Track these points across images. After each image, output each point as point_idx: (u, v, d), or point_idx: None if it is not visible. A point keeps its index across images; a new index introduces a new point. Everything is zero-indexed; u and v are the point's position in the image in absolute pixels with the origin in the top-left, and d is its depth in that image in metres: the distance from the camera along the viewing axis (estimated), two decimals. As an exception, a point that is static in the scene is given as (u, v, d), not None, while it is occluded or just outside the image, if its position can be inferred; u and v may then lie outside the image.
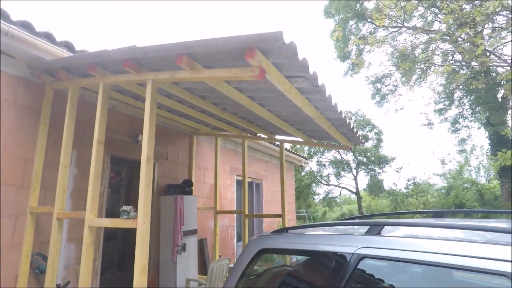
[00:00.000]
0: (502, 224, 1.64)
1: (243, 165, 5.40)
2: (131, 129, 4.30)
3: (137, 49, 2.25)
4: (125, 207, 2.46)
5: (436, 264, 1.21)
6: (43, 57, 2.99)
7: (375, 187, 23.52)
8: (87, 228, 2.54)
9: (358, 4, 13.69)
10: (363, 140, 4.37)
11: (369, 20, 13.76)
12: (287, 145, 8.69)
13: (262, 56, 1.93)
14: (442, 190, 18.53)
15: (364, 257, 1.47)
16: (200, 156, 5.82)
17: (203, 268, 5.36)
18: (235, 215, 6.84)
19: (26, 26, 2.91)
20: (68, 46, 3.25)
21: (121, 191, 5.79)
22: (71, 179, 3.55)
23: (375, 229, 1.56)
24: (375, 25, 11.30)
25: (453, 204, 15.57)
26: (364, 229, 1.63)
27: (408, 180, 20.47)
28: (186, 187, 4.97)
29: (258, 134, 5.27)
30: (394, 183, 21.50)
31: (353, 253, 1.51)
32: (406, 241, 1.42)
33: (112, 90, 3.35)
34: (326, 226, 2.22)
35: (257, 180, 8.01)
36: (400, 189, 20.87)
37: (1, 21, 2.66)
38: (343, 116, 3.17)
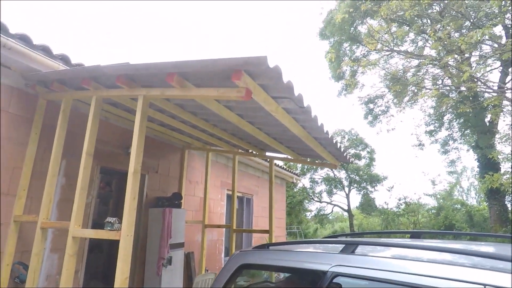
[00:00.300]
0: (480, 246, 1.71)
1: (233, 180, 5.44)
2: (122, 141, 4.35)
3: (130, 66, 2.34)
4: (109, 219, 2.49)
5: (406, 284, 1.26)
6: (39, 69, 3.07)
7: (367, 205, 23.56)
8: (70, 239, 2.55)
9: (352, 28, 14.17)
10: (350, 159, 4.47)
11: (362, 43, 14.22)
12: (280, 162, 8.77)
13: (248, 78, 2.04)
14: (433, 211, 18.66)
15: (338, 275, 1.53)
16: (191, 169, 5.85)
17: (188, 282, 5.29)
18: (224, 229, 6.81)
19: (23, 39, 3.00)
20: (64, 59, 3.34)
21: (110, 202, 5.76)
22: (59, 189, 3.56)
23: (350, 248, 1.62)
24: (368, 48, 11.68)
25: (443, 225, 15.66)
26: (340, 247, 1.69)
27: (399, 200, 20.59)
28: (175, 200, 4.98)
29: (249, 150, 5.35)
30: (385, 202, 21.62)
31: (327, 271, 1.56)
32: (378, 260, 1.48)
33: (105, 103, 3.42)
34: (306, 243, 2.27)
35: (248, 195, 8.02)
36: (392, 208, 20.95)
37: (1, 34, 2.75)
38: (329, 136, 3.28)
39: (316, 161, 5.31)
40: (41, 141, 3.31)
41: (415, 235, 2.36)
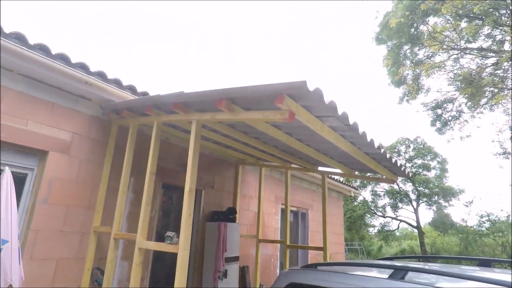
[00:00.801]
0: None
1: (286, 195, 5.45)
2: (181, 159, 4.72)
3: (184, 95, 2.59)
4: (169, 233, 2.72)
5: None
6: (112, 99, 3.56)
7: (441, 222, 21.11)
8: (137, 249, 2.85)
9: (412, 29, 13.23)
10: (410, 174, 4.14)
11: (425, 44, 13.16)
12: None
13: (291, 100, 2.09)
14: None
15: (383, 302, 1.46)
16: (245, 184, 6.04)
17: (244, 296, 5.39)
18: (278, 244, 6.81)
19: (100, 75, 3.53)
20: (131, 88, 3.82)
21: (171, 215, 6.24)
22: (128, 203, 4.01)
23: (399, 274, 1.54)
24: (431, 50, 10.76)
25: (540, 248, 13.19)
26: (389, 272, 1.61)
27: (482, 217, 18.02)
28: (230, 214, 5.18)
29: (302, 165, 5.32)
30: (462, 219, 19.11)
31: None
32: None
33: (166, 125, 3.79)
34: (355, 265, 2.18)
35: (302, 209, 7.91)
36: (472, 226, 18.42)
37: (83, 73, 3.29)
38: (382, 151, 3.12)
39: (371, 176, 5.04)
40: (114, 161, 3.79)
41: (483, 263, 2.09)
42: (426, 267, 1.78)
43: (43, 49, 3.04)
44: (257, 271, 5.24)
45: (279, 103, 2.03)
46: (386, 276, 1.59)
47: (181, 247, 2.51)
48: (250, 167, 6.13)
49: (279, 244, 6.83)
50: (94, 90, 3.43)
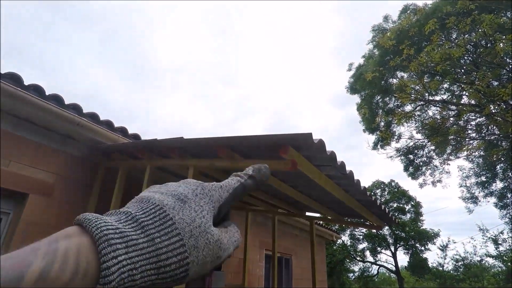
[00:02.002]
0: None
1: (273, 241, 5.32)
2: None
3: (183, 140, 2.60)
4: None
5: None
6: (102, 141, 3.49)
7: (418, 267, 21.13)
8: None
9: (382, 82, 14.43)
10: (397, 220, 4.24)
11: (395, 95, 14.30)
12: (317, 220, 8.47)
13: (294, 151, 2.16)
14: (501, 276, 16.21)
15: None
16: (229, 229, 5.85)
17: None
18: (262, 294, 6.45)
19: (92, 116, 3.49)
20: (122, 131, 3.79)
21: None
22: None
23: None
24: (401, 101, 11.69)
25: (515, 294, 13.42)
26: None
27: (457, 261, 18.29)
28: (214, 263, 4.93)
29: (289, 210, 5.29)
30: (439, 263, 19.27)
31: None
32: None
33: (156, 168, 3.72)
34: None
35: (286, 255, 7.69)
36: (449, 271, 18.57)
37: (75, 114, 3.24)
38: (373, 199, 3.21)
39: (359, 222, 5.09)
40: (98, 204, 3.60)
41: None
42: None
43: (37, 90, 3.00)
44: (242, 326, 4.88)
45: (284, 153, 2.09)
46: None
47: (173, 303, 2.33)
48: (235, 211, 6.00)
49: (263, 294, 6.47)
50: (84, 131, 3.36)
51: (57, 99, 3.16)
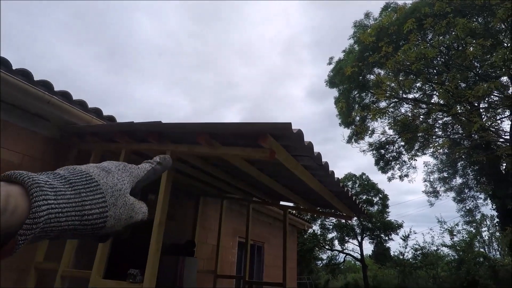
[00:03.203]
0: None
1: (247, 229, 5.41)
2: (142, 188, 4.48)
3: (163, 125, 2.56)
4: (132, 271, 2.52)
5: None
6: (75, 122, 3.35)
7: (381, 255, 22.38)
8: (91, 290, 2.57)
9: (360, 77, 14.79)
10: (366, 211, 4.46)
11: (371, 90, 14.74)
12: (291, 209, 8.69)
13: (273, 140, 2.20)
14: (453, 264, 17.55)
15: None
16: (204, 216, 5.87)
17: None
18: (234, 280, 6.59)
19: (64, 95, 3.33)
20: (97, 112, 3.65)
21: (120, 247, 5.72)
22: (80, 235, 3.63)
23: None
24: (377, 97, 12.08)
25: (465, 280, 14.63)
26: None
27: (416, 250, 19.55)
28: (188, 248, 4.95)
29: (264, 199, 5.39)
30: (400, 252, 20.50)
31: None
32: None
33: (132, 153, 3.63)
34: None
35: (258, 242, 7.85)
36: (408, 259, 19.82)
37: (45, 92, 3.07)
38: (345, 190, 3.34)
39: (331, 212, 5.29)
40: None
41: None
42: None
43: (3, 63, 2.80)
44: (213, 310, 4.98)
45: (263, 142, 2.12)
46: None
47: (146, 286, 2.34)
48: (211, 198, 6.02)
49: (234, 280, 6.61)
50: (55, 110, 3.20)
51: (25, 74, 2.98)
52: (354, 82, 15.31)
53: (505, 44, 9.28)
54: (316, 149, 2.46)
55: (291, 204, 5.15)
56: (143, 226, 2.30)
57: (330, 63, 16.47)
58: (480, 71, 10.40)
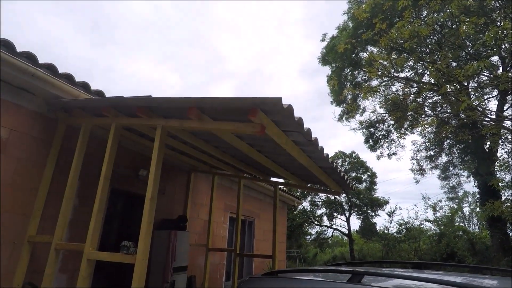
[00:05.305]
0: (483, 280, 1.81)
1: (238, 204, 5.53)
2: (133, 163, 4.49)
3: (152, 99, 2.53)
4: (125, 242, 2.59)
5: None
6: (62, 96, 3.27)
7: (368, 230, 23.31)
8: (85, 261, 2.64)
9: (353, 55, 14.65)
10: (353, 187, 4.59)
11: (363, 68, 14.68)
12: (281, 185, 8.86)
13: (263, 115, 2.21)
14: (434, 237, 18.43)
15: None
16: (196, 192, 5.95)
17: (189, 307, 5.25)
18: (225, 253, 6.81)
19: (50, 68, 3.23)
20: (84, 86, 3.56)
21: (114, 222, 5.81)
22: (71, 209, 3.66)
23: (356, 278, 1.73)
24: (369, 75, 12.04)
25: (445, 252, 15.45)
26: (347, 277, 1.79)
27: (400, 225, 20.38)
28: (180, 223, 5.05)
29: (254, 175, 5.47)
30: (386, 227, 21.34)
31: None
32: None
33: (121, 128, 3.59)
34: (314, 272, 2.36)
35: (249, 218, 8.05)
36: (393, 234, 20.70)
37: (30, 64, 2.97)
38: (334, 166, 3.42)
39: (320, 188, 5.43)
40: (58, 163, 3.45)
41: (416, 266, 2.45)
42: (379, 271, 2.03)
43: (-17, 33, 2.68)
44: (205, 281, 5.18)
45: (253, 116, 2.13)
46: (345, 281, 1.77)
47: (139, 258, 2.41)
48: (202, 174, 6.08)
49: (226, 253, 6.83)
50: (41, 84, 3.11)
51: (7, 45, 2.86)
52: (346, 60, 15.19)
53: (498, 23, 9.25)
54: (306, 126, 2.49)
55: (281, 180, 5.25)
56: (137, 202, 2.34)
57: (323, 40, 16.21)
58: (471, 50, 10.43)
